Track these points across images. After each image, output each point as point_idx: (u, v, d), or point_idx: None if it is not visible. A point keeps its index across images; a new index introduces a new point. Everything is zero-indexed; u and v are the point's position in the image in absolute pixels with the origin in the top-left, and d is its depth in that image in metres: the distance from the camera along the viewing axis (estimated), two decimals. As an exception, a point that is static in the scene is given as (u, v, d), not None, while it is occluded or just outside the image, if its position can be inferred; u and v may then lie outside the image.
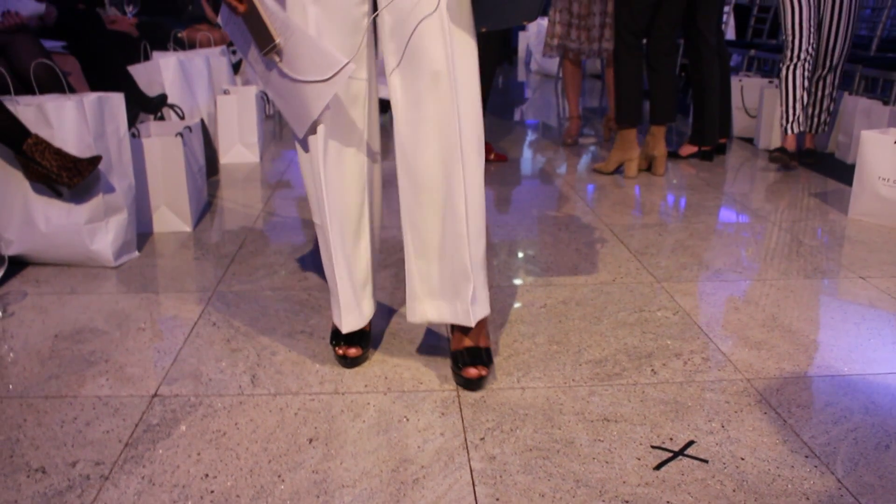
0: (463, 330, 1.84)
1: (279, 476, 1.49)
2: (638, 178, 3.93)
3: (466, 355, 1.81)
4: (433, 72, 1.66)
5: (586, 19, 4.53)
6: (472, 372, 1.78)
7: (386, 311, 2.22)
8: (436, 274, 1.82)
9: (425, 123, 1.71)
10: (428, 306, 1.85)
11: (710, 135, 4.26)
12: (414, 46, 1.66)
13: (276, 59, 1.66)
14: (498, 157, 4.26)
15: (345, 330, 1.90)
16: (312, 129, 1.75)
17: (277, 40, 1.63)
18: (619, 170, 4.02)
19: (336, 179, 1.79)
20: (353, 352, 1.90)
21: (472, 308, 1.79)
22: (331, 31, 1.69)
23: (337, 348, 1.91)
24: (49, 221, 2.50)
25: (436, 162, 1.73)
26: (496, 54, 4.47)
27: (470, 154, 1.71)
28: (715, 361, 1.95)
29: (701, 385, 1.84)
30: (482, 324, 1.85)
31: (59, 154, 2.38)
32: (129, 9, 4.66)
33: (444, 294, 1.82)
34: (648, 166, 4.04)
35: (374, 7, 1.73)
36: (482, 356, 1.81)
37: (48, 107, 2.41)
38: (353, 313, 1.89)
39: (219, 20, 1.79)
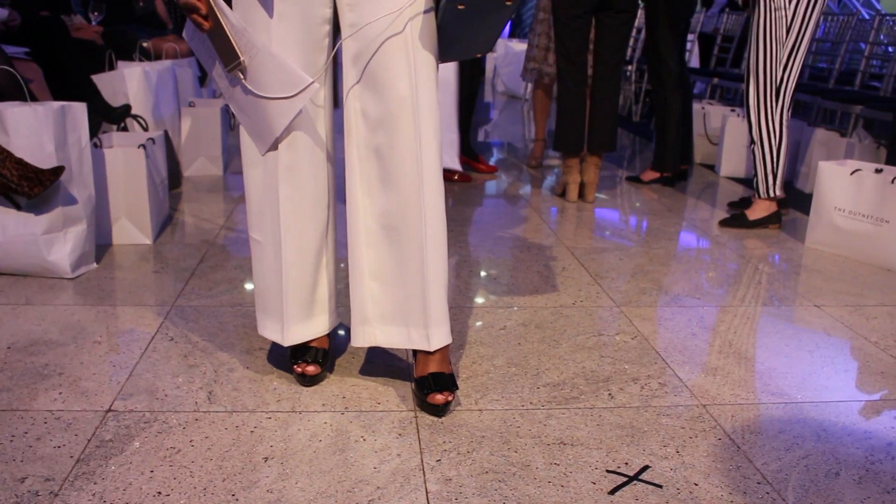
0: (427, 356, 1.84)
1: (233, 495, 1.48)
2: (599, 202, 3.97)
3: (432, 381, 1.80)
4: (397, 98, 1.67)
5: None
6: (439, 398, 1.77)
7: (345, 330, 2.22)
8: (389, 298, 1.81)
9: (385, 149, 1.72)
10: (377, 331, 1.85)
11: (671, 161, 4.31)
12: (378, 73, 1.67)
13: (241, 76, 1.66)
14: (462, 178, 4.27)
15: (287, 343, 1.89)
16: (274, 146, 1.75)
17: (242, 58, 1.64)
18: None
19: (296, 196, 1.79)
20: (311, 370, 1.89)
21: (430, 333, 1.79)
22: (293, 49, 1.70)
23: (295, 366, 1.90)
24: (5, 230, 2.47)
25: (395, 187, 1.73)
26: (470, 74, 4.49)
27: (430, 179, 1.72)
28: (671, 387, 1.97)
29: (657, 410, 1.85)
30: (446, 350, 1.85)
31: (21, 164, 2.35)
32: (94, 16, 4.62)
33: (396, 319, 1.82)
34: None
35: (336, 27, 1.74)
36: (448, 382, 1.81)
37: (5, 113, 2.38)
38: (298, 325, 1.89)
39: (184, 34, 1.78)
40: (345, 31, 1.70)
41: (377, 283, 1.82)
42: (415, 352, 1.88)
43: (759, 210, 3.50)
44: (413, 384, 1.87)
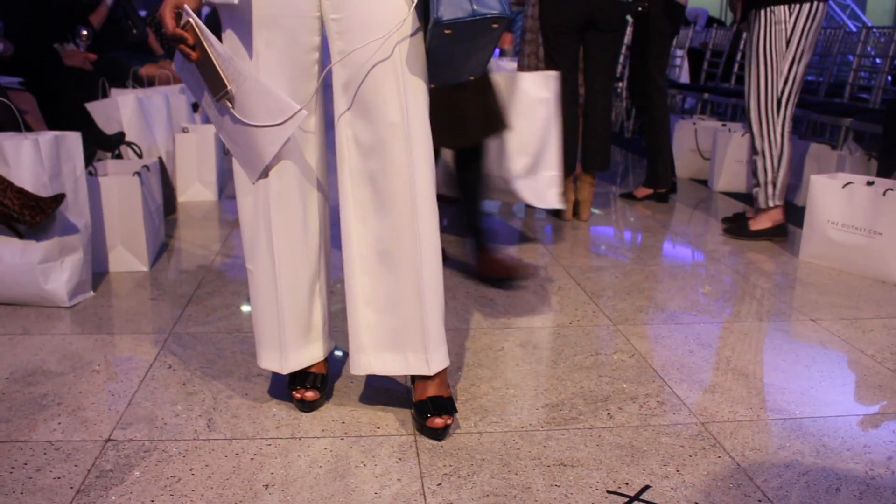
0: (425, 380, 1.84)
1: (234, 524, 1.48)
2: (594, 220, 3.98)
3: (431, 406, 1.80)
4: (388, 124, 1.68)
5: None
6: (439, 422, 1.78)
7: (343, 355, 2.22)
8: (385, 325, 1.82)
9: (378, 175, 1.72)
10: (373, 358, 1.85)
11: (663, 177, 4.33)
12: (368, 99, 1.68)
13: (229, 104, 1.68)
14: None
15: (286, 371, 1.89)
16: (265, 174, 1.76)
17: (229, 87, 1.65)
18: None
19: (288, 223, 1.80)
20: (310, 395, 1.89)
21: (428, 356, 1.79)
22: (281, 77, 1.71)
23: (294, 392, 1.90)
24: (2, 261, 2.47)
25: (389, 212, 1.74)
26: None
27: (424, 204, 1.72)
28: (670, 405, 1.98)
29: (656, 429, 1.86)
30: (444, 373, 1.86)
31: (21, 193, 2.36)
32: (83, 35, 4.62)
33: (393, 346, 1.82)
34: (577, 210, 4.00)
35: (325, 54, 1.75)
36: (447, 405, 1.81)
37: (5, 145, 2.39)
38: (297, 352, 1.89)
39: (173, 65, 1.79)
40: (334, 57, 1.71)
41: (372, 311, 1.82)
42: (413, 376, 1.88)
43: (763, 221, 3.52)
44: (412, 408, 1.87)
